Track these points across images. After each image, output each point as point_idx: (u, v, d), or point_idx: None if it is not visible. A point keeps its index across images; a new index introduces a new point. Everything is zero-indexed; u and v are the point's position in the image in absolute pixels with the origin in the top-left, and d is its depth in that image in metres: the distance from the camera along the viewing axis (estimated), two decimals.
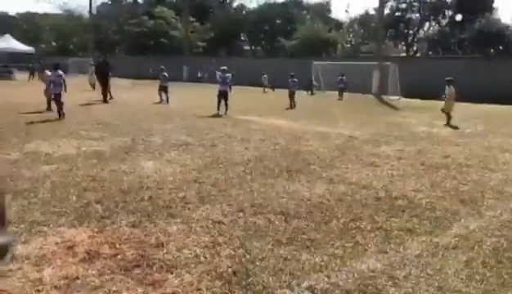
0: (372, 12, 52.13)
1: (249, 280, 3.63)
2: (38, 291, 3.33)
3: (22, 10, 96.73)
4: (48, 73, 15.47)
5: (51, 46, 63.72)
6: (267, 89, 30.55)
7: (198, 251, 4.14)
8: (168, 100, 19.42)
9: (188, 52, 44.74)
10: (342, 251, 4.26)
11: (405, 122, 14.73)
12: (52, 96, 13.81)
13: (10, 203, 3.94)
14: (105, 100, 18.99)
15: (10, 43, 40.36)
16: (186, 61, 42.42)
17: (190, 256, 4.04)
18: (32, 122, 11.97)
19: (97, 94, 19.95)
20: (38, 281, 3.46)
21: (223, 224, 4.86)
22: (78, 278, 3.54)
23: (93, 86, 24.52)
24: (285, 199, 5.81)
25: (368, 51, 50.57)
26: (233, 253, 4.11)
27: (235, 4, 66.64)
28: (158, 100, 19.53)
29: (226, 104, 15.93)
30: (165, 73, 20.13)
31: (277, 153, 9.00)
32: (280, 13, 60.47)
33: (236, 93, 18.68)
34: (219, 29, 56.90)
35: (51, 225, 4.59)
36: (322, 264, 3.97)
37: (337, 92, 26.09)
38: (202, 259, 3.98)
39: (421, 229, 4.87)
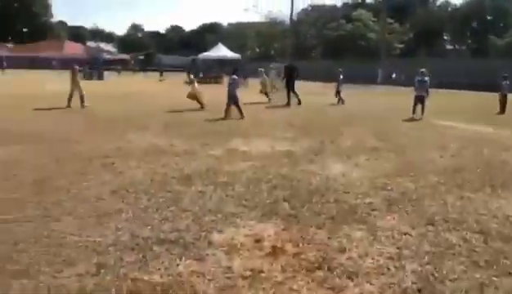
0: None
1: None
2: (228, 278, 3.59)
3: (233, 20, 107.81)
4: (192, 76, 20.09)
5: (255, 53, 69.36)
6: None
7: (381, 261, 3.95)
8: (343, 102, 19.98)
9: (384, 54, 43.59)
10: None
11: None
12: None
13: None
14: (288, 103, 19.48)
15: (221, 51, 45.38)
16: (381, 64, 41.41)
17: (372, 265, 3.88)
18: (230, 120, 13.17)
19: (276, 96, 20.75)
20: (228, 269, 3.74)
21: (411, 236, 4.54)
22: (262, 271, 3.71)
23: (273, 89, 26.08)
24: (485, 217, 5.15)
25: None
26: (420, 269, 3.80)
27: (439, 1, 62.41)
28: (341, 102, 20.10)
29: (422, 108, 15.05)
30: (341, 76, 20.69)
31: (479, 163, 8.07)
32: (491, 8, 54.33)
33: (436, 95, 17.53)
34: (419, 29, 54.06)
35: (242, 218, 4.94)
36: None
37: None
38: (385, 270, 3.79)
39: None
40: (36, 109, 15.12)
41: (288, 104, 19.39)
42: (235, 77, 14.81)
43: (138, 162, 7.50)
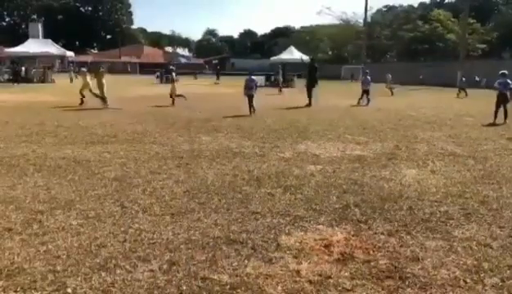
0: None
1: None
2: (295, 281, 3.57)
3: (306, 24, 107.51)
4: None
5: (328, 55, 68.66)
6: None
7: (458, 273, 3.74)
8: (368, 103, 20.25)
9: (464, 56, 41.37)
10: None
11: None
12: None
13: None
14: (310, 104, 19.46)
15: (292, 54, 45.57)
16: (460, 66, 39.30)
17: (447, 276, 3.68)
18: (298, 123, 13.12)
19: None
20: (296, 273, 3.72)
21: (491, 248, 4.26)
22: (330, 277, 3.65)
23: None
24: None
25: None
26: (500, 284, 3.56)
27: None
28: (366, 103, 20.28)
29: (505, 112, 14.10)
30: (368, 77, 21.30)
31: None
32: None
33: None
34: (504, 29, 50.76)
35: (311, 222, 4.90)
36: None
37: None
38: (461, 283, 3.58)
39: None
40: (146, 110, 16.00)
41: (309, 104, 19.34)
42: (253, 78, 16.67)
43: (210, 163, 7.69)
